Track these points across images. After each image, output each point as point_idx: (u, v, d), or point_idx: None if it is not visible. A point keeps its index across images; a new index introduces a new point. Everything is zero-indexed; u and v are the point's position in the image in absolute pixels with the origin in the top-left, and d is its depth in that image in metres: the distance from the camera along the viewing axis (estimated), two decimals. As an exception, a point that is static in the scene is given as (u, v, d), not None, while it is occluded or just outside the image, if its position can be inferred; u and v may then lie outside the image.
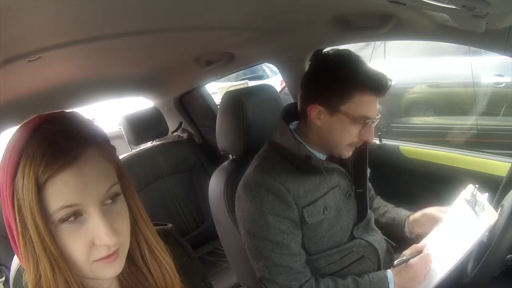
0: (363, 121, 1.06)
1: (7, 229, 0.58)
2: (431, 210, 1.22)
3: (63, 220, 0.53)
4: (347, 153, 1.13)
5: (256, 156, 1.20)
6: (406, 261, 1.09)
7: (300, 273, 1.09)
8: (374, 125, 1.10)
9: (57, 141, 0.53)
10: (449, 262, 1.04)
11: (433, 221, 1.20)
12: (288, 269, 1.08)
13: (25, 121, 0.57)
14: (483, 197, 1.07)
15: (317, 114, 1.09)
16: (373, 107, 1.07)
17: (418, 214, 1.25)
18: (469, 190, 1.12)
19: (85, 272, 0.57)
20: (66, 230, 0.53)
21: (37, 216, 0.51)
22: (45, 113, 0.57)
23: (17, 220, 0.53)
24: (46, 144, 0.52)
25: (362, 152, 1.21)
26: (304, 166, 1.10)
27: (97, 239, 0.54)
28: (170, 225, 0.79)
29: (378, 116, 1.11)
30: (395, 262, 1.10)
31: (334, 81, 1.06)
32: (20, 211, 0.53)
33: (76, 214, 0.53)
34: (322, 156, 1.16)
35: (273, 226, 1.07)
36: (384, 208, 1.37)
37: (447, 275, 1.04)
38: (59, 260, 0.53)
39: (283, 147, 1.13)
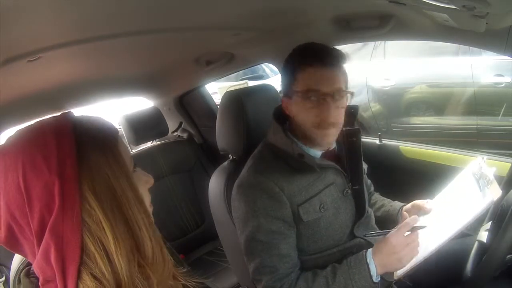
0: (311, 94, 1.06)
1: (36, 236, 0.55)
2: (418, 201, 1.22)
3: (133, 171, 0.64)
4: (323, 139, 1.10)
5: (250, 156, 1.21)
6: (381, 234, 1.04)
7: (284, 275, 1.08)
8: (332, 101, 1.05)
9: (103, 121, 0.63)
10: (444, 235, 1.00)
11: (420, 211, 1.19)
12: (274, 269, 1.07)
13: (33, 124, 0.58)
14: (490, 171, 1.01)
15: (286, 105, 1.13)
16: (318, 79, 1.06)
17: (409, 205, 1.25)
18: (477, 162, 1.07)
19: None
20: (136, 177, 0.63)
21: (128, 172, 0.60)
22: (54, 114, 0.61)
23: (92, 200, 0.54)
24: (99, 124, 0.61)
25: (356, 148, 1.21)
26: (298, 164, 1.11)
27: (145, 183, 0.66)
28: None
29: (335, 91, 1.06)
30: (367, 234, 1.09)
31: (285, 70, 1.14)
32: (95, 189, 0.55)
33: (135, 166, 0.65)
34: (317, 154, 1.16)
35: (264, 226, 1.07)
36: (380, 203, 1.38)
37: (440, 248, 1.00)
38: (148, 209, 0.62)
39: (276, 146, 1.14)
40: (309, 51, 1.09)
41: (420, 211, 1.18)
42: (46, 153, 0.53)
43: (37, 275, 0.57)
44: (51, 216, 0.53)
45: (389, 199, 1.40)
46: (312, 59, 1.07)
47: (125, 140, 2.11)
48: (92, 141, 0.57)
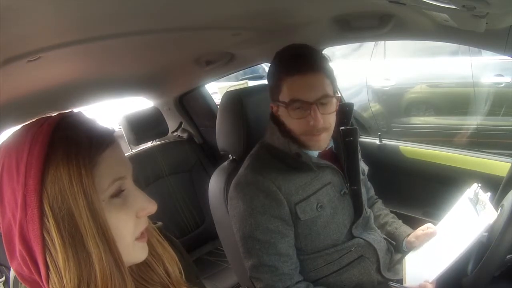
0: (295, 104, 1.06)
1: (4, 238, 0.55)
2: (424, 228, 1.24)
3: (113, 195, 0.55)
4: (314, 145, 1.10)
5: (248, 156, 1.21)
6: None
7: (286, 275, 1.09)
8: (318, 108, 1.04)
9: (90, 128, 0.56)
10: (446, 261, 1.04)
11: (429, 237, 1.21)
12: (274, 269, 1.08)
13: (29, 123, 0.56)
14: (485, 196, 1.07)
15: (275, 111, 1.14)
16: (300, 88, 1.05)
17: (417, 231, 1.26)
18: (473, 188, 1.14)
19: (128, 253, 0.58)
20: (116, 205, 0.56)
21: (92, 196, 0.52)
22: (51, 114, 0.57)
23: (49, 217, 0.51)
24: (83, 131, 0.54)
25: (353, 147, 1.21)
26: (295, 164, 1.11)
27: (141, 210, 0.58)
28: (160, 223, 0.80)
29: (319, 98, 1.04)
30: (391, 283, 1.11)
31: (269, 77, 1.14)
32: (53, 205, 0.51)
33: (121, 189, 0.56)
34: (314, 153, 1.16)
35: (261, 225, 1.08)
36: (384, 219, 1.37)
37: (444, 273, 1.04)
38: (111, 239, 0.54)
39: (274, 146, 1.15)
40: (290, 60, 1.07)
41: (425, 239, 1.20)
42: (19, 158, 0.51)
43: (18, 277, 0.57)
44: (16, 223, 0.52)
45: (393, 215, 1.39)
46: (292, 69, 1.05)
47: (125, 141, 2.12)
48: (64, 153, 0.51)
